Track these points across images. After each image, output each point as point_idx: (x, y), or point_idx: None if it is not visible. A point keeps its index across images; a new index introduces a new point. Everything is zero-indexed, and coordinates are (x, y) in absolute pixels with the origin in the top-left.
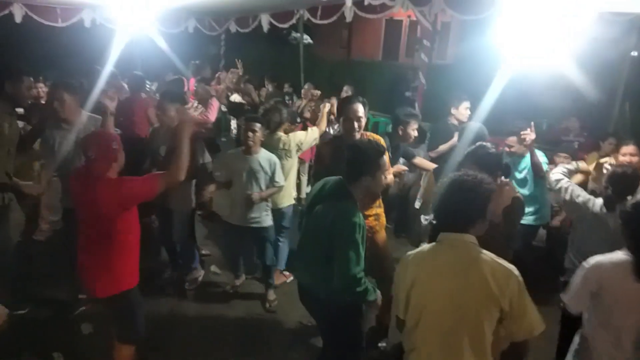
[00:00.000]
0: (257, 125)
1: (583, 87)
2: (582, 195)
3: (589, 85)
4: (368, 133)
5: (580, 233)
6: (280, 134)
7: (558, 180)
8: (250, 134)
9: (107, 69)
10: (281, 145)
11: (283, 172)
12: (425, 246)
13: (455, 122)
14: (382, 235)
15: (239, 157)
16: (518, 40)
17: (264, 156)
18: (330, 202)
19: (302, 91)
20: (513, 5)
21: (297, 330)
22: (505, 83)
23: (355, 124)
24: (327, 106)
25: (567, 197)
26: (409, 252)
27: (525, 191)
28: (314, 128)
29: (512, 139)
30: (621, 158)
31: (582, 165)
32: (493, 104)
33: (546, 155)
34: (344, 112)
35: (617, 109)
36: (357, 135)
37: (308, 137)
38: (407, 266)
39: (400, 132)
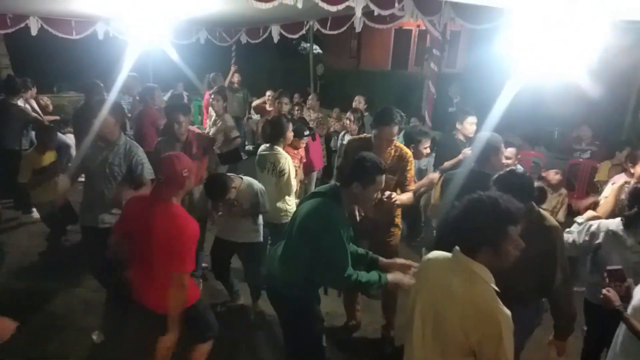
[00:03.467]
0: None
1: (596, 96)
2: (593, 224)
3: (601, 94)
4: (397, 143)
5: (602, 254)
6: (278, 149)
7: (575, 240)
8: None
9: (120, 79)
10: (272, 159)
11: (268, 188)
12: (442, 254)
13: (462, 138)
14: (396, 241)
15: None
16: (528, 49)
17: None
18: (312, 198)
19: (308, 102)
20: (523, 15)
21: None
22: (516, 92)
23: (384, 144)
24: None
25: (587, 237)
26: (429, 256)
27: None
28: (294, 179)
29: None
30: None
31: (595, 213)
32: (504, 112)
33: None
34: (378, 129)
35: (630, 117)
36: (384, 153)
37: (292, 175)
38: (420, 272)
39: (412, 150)
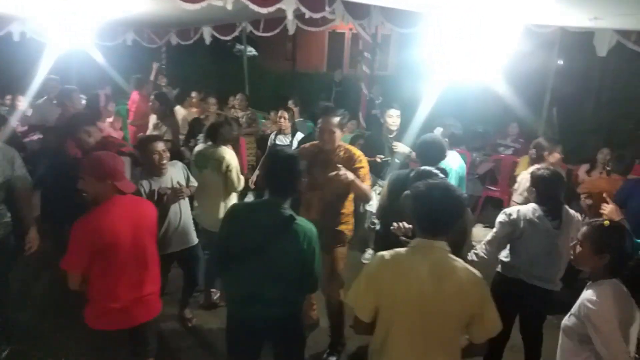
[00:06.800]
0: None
1: (513, 95)
2: (513, 213)
3: (518, 93)
4: (347, 145)
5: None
6: (224, 148)
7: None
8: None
9: (36, 82)
10: (216, 156)
11: (211, 187)
12: (400, 250)
13: (388, 134)
14: (341, 254)
15: (157, 180)
16: (447, 52)
17: (172, 170)
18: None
19: (235, 102)
20: (441, 20)
21: None
22: (440, 92)
23: (326, 135)
24: None
25: (510, 227)
26: (383, 254)
27: None
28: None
29: None
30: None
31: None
32: (429, 111)
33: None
34: (322, 119)
35: (545, 114)
36: (331, 146)
37: (238, 169)
38: (383, 269)
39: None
